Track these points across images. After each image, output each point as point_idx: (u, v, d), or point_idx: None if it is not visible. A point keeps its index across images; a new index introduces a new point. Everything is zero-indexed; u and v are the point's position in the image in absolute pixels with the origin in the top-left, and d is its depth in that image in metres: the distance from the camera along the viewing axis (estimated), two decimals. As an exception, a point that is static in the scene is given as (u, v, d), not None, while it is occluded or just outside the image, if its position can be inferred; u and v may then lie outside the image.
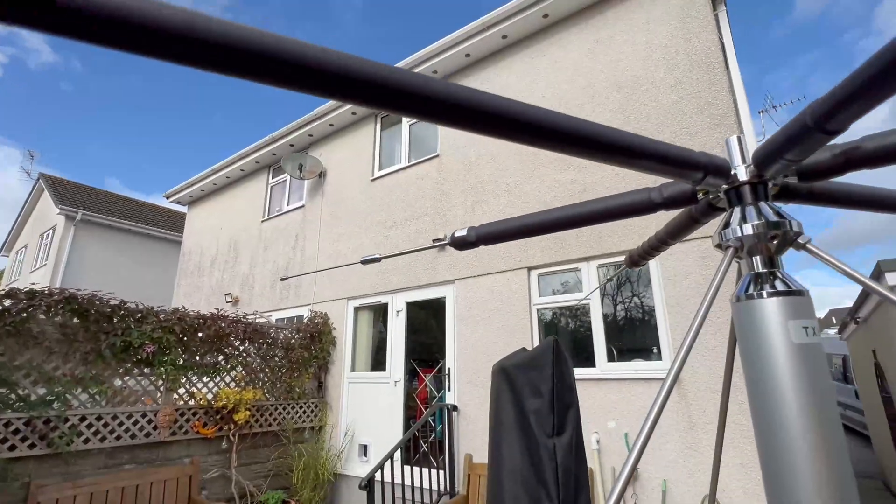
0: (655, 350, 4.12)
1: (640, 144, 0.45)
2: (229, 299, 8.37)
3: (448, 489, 4.72)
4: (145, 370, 4.52)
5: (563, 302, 4.73)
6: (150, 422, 4.32)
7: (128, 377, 4.44)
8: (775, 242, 0.50)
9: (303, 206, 7.85)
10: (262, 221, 8.53)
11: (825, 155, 0.51)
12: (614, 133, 0.44)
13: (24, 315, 3.79)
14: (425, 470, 4.90)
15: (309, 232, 7.48)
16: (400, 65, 6.44)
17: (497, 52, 5.95)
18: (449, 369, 5.29)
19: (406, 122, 6.88)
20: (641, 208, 0.62)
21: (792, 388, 0.41)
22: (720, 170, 0.51)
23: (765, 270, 0.49)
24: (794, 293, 0.45)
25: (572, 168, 4.85)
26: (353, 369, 6.27)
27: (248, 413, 5.03)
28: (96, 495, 3.63)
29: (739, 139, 0.53)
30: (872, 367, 6.79)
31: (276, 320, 7.39)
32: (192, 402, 4.83)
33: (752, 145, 4.30)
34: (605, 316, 4.46)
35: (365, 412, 5.90)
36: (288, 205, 8.30)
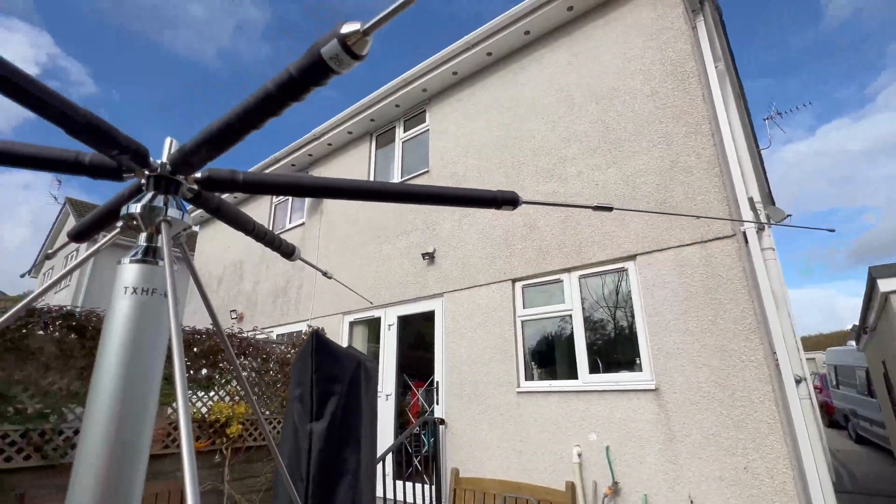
0: (637, 361, 4.07)
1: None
2: (234, 315, 8.58)
3: (436, 504, 4.69)
4: (140, 384, 4.66)
5: (547, 314, 4.72)
6: (142, 435, 4.44)
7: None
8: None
9: (303, 224, 8.05)
10: (266, 239, 8.75)
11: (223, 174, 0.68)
12: None
13: (24, 331, 3.98)
14: (417, 485, 4.89)
15: (308, 248, 7.65)
16: (393, 82, 6.63)
17: (483, 69, 6.08)
18: (437, 382, 5.30)
19: (399, 139, 7.04)
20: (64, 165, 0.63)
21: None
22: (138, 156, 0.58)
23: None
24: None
25: (553, 180, 4.89)
26: (348, 383, 6.31)
27: (240, 427, 5.12)
28: (86, 506, 3.73)
29: (171, 142, 0.62)
30: (883, 379, 6.49)
31: (277, 335, 7.53)
32: (185, 416, 4.95)
33: (736, 151, 4.27)
34: (587, 327, 4.43)
35: (359, 426, 5.92)
36: (290, 223, 8.52)
